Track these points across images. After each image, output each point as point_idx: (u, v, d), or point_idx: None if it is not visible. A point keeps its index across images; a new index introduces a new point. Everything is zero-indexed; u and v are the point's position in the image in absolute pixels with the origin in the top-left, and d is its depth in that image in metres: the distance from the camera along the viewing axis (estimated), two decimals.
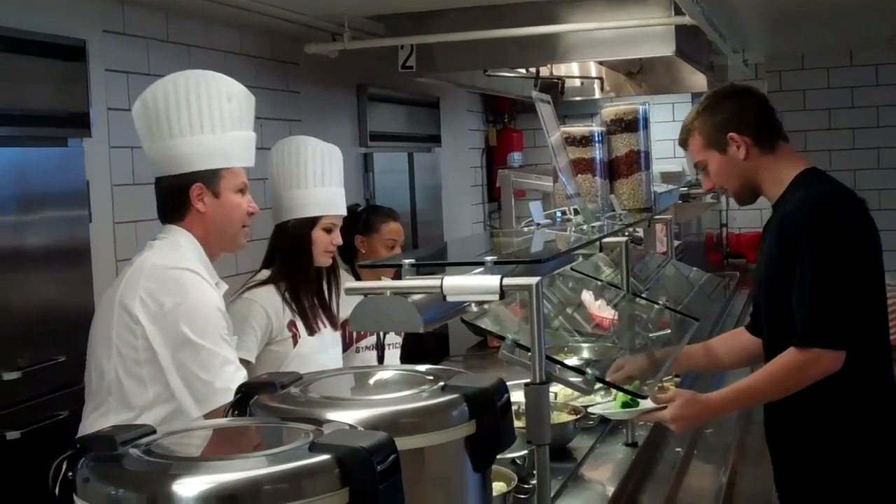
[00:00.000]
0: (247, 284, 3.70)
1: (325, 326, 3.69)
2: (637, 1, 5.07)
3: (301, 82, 6.22)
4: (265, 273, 3.72)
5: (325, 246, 3.70)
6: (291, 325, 3.59)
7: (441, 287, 2.23)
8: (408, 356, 4.33)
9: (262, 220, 3.62)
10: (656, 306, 3.60)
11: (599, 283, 3.63)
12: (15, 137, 4.09)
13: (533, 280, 2.20)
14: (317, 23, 5.45)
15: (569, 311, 3.42)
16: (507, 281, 2.21)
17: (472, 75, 6.66)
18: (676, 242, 5.82)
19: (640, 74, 7.20)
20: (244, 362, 3.53)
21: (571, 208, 3.69)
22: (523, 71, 6.57)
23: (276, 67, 5.95)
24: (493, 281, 2.21)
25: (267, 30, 5.64)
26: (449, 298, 2.25)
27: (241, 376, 2.72)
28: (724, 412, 3.41)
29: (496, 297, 2.22)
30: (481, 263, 2.30)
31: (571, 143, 4.07)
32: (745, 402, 3.36)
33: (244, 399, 1.92)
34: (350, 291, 2.33)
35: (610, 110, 4.43)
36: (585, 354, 3.38)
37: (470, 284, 2.23)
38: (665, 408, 3.04)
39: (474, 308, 2.27)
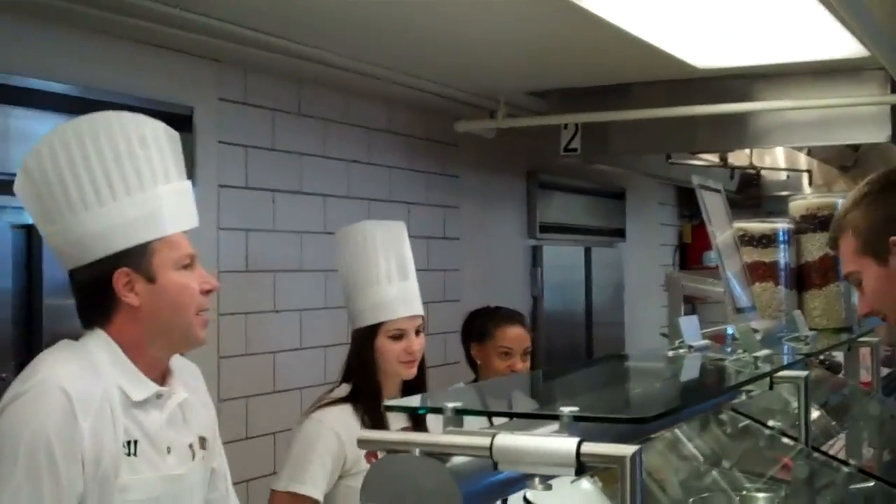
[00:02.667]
0: (320, 401, 3.01)
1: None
2: (846, 76, 4.22)
3: (460, 165, 5.61)
4: (344, 389, 3.02)
5: (396, 356, 2.98)
6: (371, 455, 2.86)
7: (491, 449, 1.50)
8: None
9: None
10: (845, 469, 2.69)
11: (768, 430, 2.76)
12: None
13: (626, 450, 1.44)
14: (471, 98, 4.84)
15: (726, 464, 2.58)
16: (590, 448, 1.46)
17: (655, 163, 5.90)
18: (885, 371, 4.68)
19: (856, 168, 6.25)
20: (310, 501, 2.85)
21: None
22: (714, 158, 5.75)
23: (431, 148, 5.35)
24: (565, 446, 1.46)
25: (417, 106, 5.06)
26: (502, 467, 1.51)
27: None
28: None
29: (571, 471, 1.46)
30: (555, 417, 1.55)
31: (748, 242, 3.28)
32: None
33: None
34: (363, 444, 1.61)
35: (800, 203, 3.59)
36: None
37: (532, 448, 1.49)
38: None
39: (538, 485, 1.51)
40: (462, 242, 5.64)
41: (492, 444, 1.52)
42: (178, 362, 2.29)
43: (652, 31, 3.69)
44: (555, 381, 2.40)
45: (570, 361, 6.12)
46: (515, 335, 3.62)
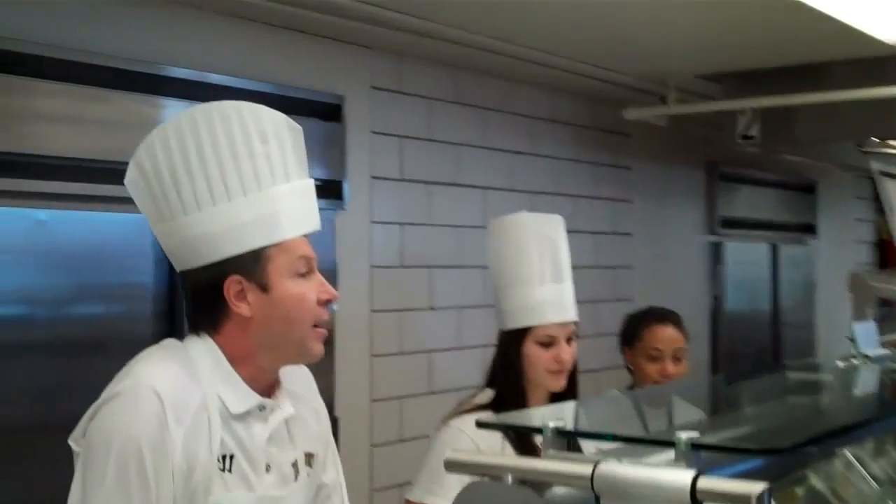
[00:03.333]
0: (460, 406, 2.79)
1: None
2: None
3: (633, 156, 5.32)
4: (487, 394, 2.79)
5: (545, 365, 2.71)
6: None
7: (592, 479, 1.26)
8: None
9: None
10: None
11: None
12: None
13: (752, 488, 1.18)
14: (640, 84, 4.55)
15: None
16: (709, 484, 1.20)
17: (849, 153, 5.44)
18: None
19: None
20: None
21: None
22: None
23: (600, 138, 5.08)
24: (678, 480, 1.21)
25: (583, 93, 4.81)
26: (605, 501, 1.27)
27: None
28: None
29: None
30: (671, 443, 1.29)
31: None
32: None
33: None
34: (450, 466, 1.40)
35: None
36: None
37: (640, 481, 1.25)
38: None
39: None
40: (635, 238, 5.35)
41: (593, 473, 1.29)
42: (287, 367, 2.12)
43: (840, 5, 3.34)
44: (697, 394, 2.12)
45: (749, 365, 5.74)
46: (665, 336, 3.31)
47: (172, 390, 1.87)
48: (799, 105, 4.20)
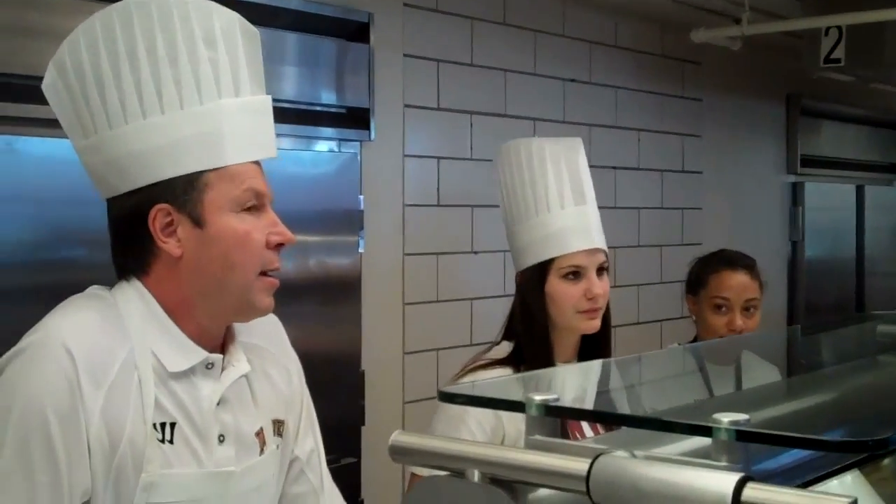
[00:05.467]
0: (473, 362, 2.38)
1: (591, 435, 2.28)
2: None
3: (704, 86, 4.85)
4: (505, 347, 2.38)
5: (574, 303, 2.27)
6: (574, 427, 2.22)
7: (588, 479, 0.87)
8: None
9: None
10: None
11: None
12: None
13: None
14: (712, 4, 4.07)
15: None
16: (758, 494, 0.80)
17: None
18: None
19: None
20: None
21: None
22: None
23: (667, 66, 4.62)
24: (713, 486, 0.81)
25: (648, 14, 4.34)
26: None
27: None
28: None
29: None
30: (707, 429, 0.88)
31: None
32: None
33: None
34: (395, 454, 1.01)
35: None
36: None
37: (658, 484, 0.85)
38: None
39: None
40: (705, 177, 4.91)
41: (590, 471, 0.88)
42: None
43: None
44: (766, 352, 1.69)
45: (830, 317, 5.27)
46: (734, 283, 2.86)
47: (89, 346, 1.51)
48: (890, 21, 3.69)
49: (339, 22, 3.32)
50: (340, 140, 3.36)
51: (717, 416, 0.89)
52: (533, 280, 2.33)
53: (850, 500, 0.77)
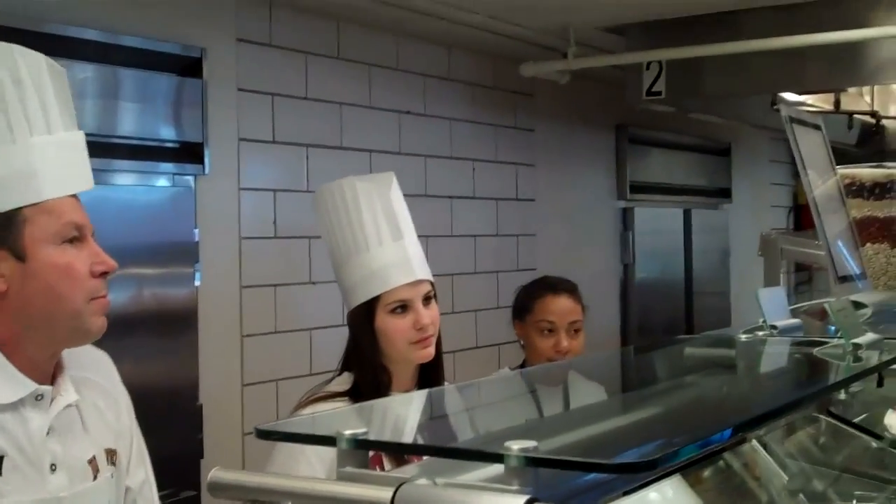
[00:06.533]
0: (311, 395, 2.43)
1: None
2: None
3: (536, 117, 5.00)
4: (346, 378, 2.44)
5: (403, 335, 2.33)
6: (375, 460, 2.24)
7: None
8: None
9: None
10: None
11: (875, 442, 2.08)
12: (104, 172, 3.11)
13: None
14: (541, 38, 4.22)
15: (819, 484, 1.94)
16: None
17: (763, 113, 5.19)
18: None
19: None
20: None
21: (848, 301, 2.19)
22: (828, 105, 5.00)
23: (500, 97, 4.76)
24: None
25: (481, 48, 4.47)
26: None
27: None
28: None
29: None
30: (499, 456, 0.95)
31: (857, 192, 2.61)
32: None
33: None
34: (214, 489, 1.05)
35: None
36: None
37: None
38: None
39: None
40: (539, 204, 5.05)
41: (393, 499, 0.94)
42: (78, 350, 1.76)
43: None
44: (574, 376, 1.78)
45: (662, 338, 5.47)
46: (559, 307, 2.97)
47: None
48: (707, 57, 3.90)
49: (172, 58, 3.33)
50: (175, 174, 3.36)
51: (508, 443, 0.96)
52: (362, 317, 2.38)
53: None
